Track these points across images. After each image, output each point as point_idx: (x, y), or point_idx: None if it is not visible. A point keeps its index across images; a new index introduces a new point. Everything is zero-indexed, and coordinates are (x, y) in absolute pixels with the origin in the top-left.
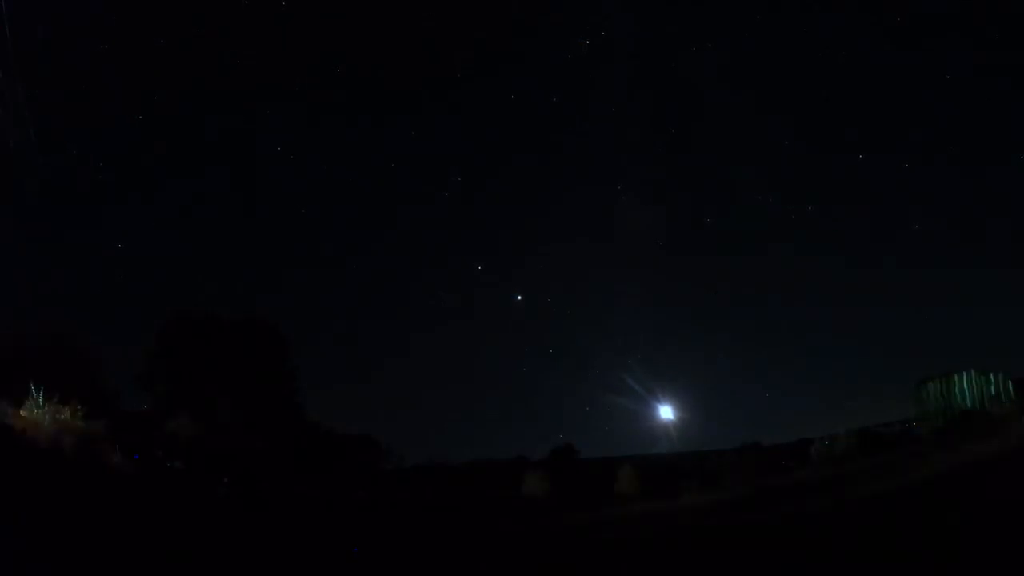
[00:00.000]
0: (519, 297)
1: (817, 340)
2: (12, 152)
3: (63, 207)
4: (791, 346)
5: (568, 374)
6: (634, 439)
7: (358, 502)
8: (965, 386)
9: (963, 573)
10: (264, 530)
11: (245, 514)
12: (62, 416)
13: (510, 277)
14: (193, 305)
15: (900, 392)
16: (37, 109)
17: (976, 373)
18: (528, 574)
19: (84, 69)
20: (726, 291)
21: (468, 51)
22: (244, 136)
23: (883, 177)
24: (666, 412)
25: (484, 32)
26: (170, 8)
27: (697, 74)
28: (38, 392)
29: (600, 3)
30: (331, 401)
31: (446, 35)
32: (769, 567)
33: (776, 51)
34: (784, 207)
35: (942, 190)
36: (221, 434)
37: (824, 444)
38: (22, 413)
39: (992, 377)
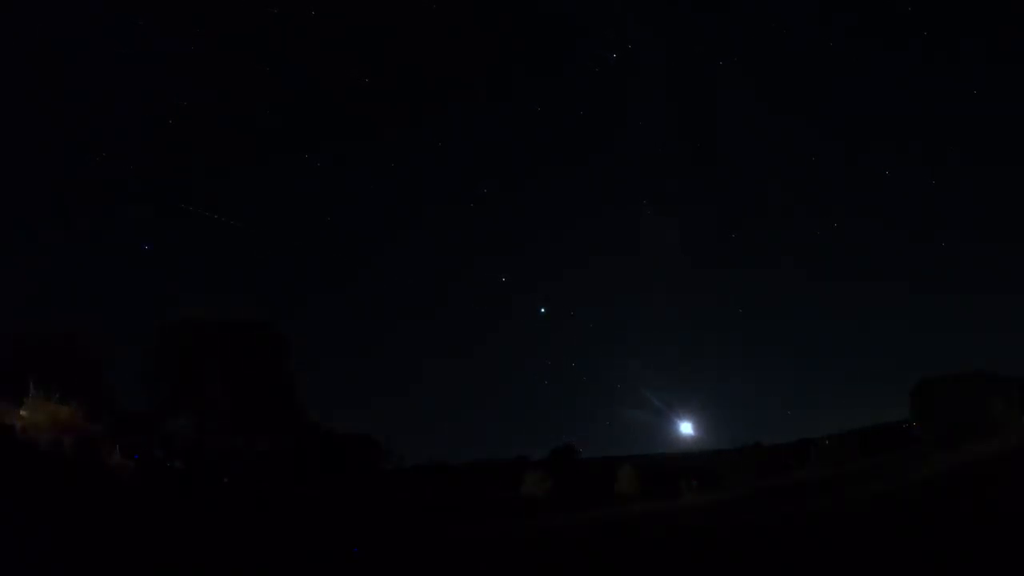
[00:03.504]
0: (543, 310)
1: (817, 342)
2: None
3: (65, 208)
4: (791, 348)
5: (588, 387)
6: (641, 443)
7: (358, 502)
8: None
9: (963, 573)
10: (264, 530)
11: (245, 514)
12: (62, 416)
13: (535, 289)
14: (196, 306)
15: (899, 392)
16: (51, 110)
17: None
18: (528, 574)
19: (111, 72)
20: (736, 297)
21: (495, 63)
22: (270, 143)
23: (908, 193)
24: (686, 428)
25: (513, 44)
26: (201, 14)
27: (724, 89)
28: (38, 392)
29: (627, 18)
30: (344, 402)
31: (474, 48)
32: (769, 567)
33: (802, 67)
34: (809, 221)
35: (963, 204)
36: (221, 434)
37: (824, 444)
38: (22, 413)
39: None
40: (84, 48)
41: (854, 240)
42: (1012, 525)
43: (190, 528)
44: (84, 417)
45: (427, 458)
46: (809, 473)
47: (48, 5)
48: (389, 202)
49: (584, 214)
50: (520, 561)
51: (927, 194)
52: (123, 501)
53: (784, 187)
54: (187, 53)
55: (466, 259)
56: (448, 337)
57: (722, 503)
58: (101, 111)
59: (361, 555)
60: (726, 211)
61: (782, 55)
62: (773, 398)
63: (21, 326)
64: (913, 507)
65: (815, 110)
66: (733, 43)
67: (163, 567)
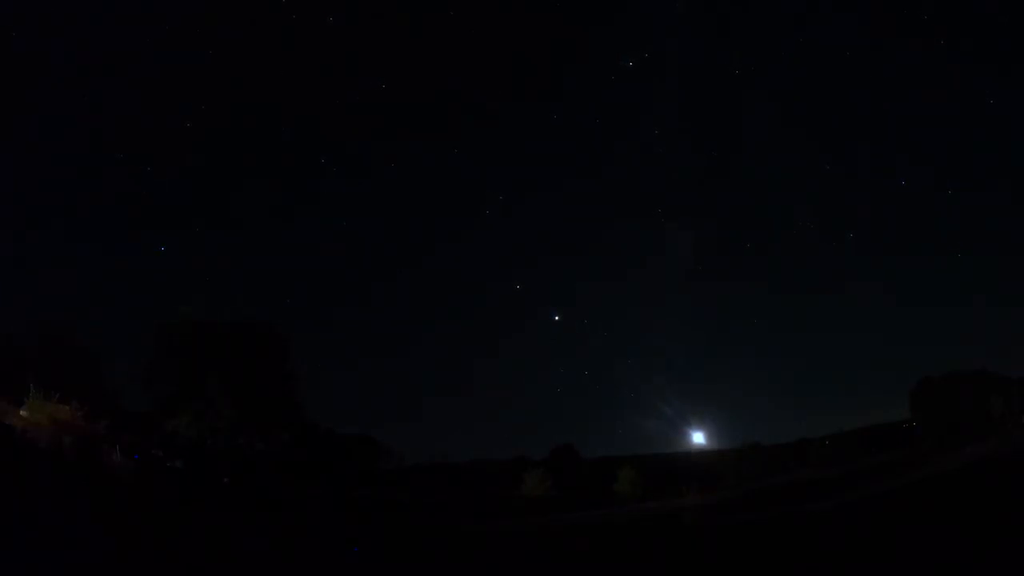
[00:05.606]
0: (556, 317)
1: (818, 342)
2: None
3: (68, 208)
4: (792, 348)
5: (599, 394)
6: (642, 443)
7: (358, 502)
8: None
9: (963, 572)
10: (264, 529)
11: (245, 514)
12: (62, 416)
13: (548, 297)
14: (196, 306)
15: (899, 392)
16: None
17: (977, 375)
18: (528, 573)
19: (122, 72)
20: (741, 300)
21: (512, 70)
22: (287, 147)
23: (913, 196)
24: (698, 437)
25: (529, 52)
26: (218, 19)
27: (739, 97)
28: (38, 392)
29: (645, 24)
30: (344, 402)
31: (490, 55)
32: (769, 567)
33: (820, 76)
34: (823, 232)
35: (964, 205)
36: (221, 434)
37: (824, 444)
38: (22, 413)
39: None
40: (93, 49)
41: (860, 243)
42: (1012, 525)
43: (190, 528)
44: (84, 417)
45: (427, 458)
46: (809, 473)
47: (69, 7)
48: (403, 207)
49: (599, 222)
50: (519, 560)
51: (930, 196)
52: (123, 501)
53: (795, 197)
54: (203, 57)
55: (480, 266)
56: (459, 341)
57: (722, 503)
58: (112, 112)
59: (361, 555)
60: (740, 220)
61: (801, 65)
62: (773, 398)
63: (21, 326)
64: (913, 507)
65: (827, 120)
66: (752, 52)
67: (163, 567)
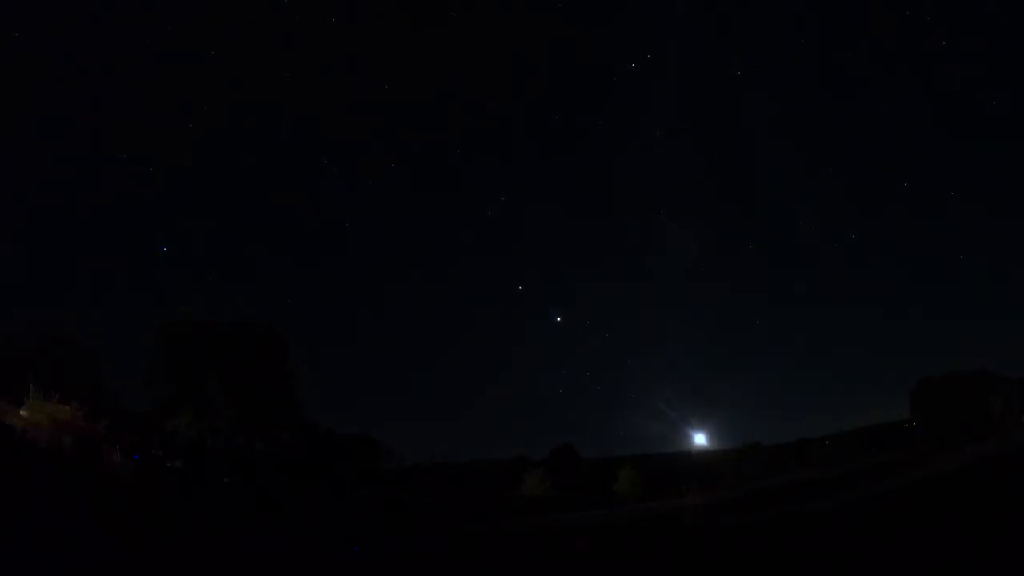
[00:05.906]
0: (558, 318)
1: (818, 341)
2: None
3: (68, 208)
4: (792, 348)
5: (600, 395)
6: (642, 444)
7: (358, 502)
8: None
9: (962, 572)
10: (264, 529)
11: (245, 514)
12: (62, 416)
13: (549, 297)
14: (196, 306)
15: (899, 392)
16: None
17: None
18: (528, 573)
19: (125, 73)
20: (742, 300)
21: (512, 70)
22: (287, 147)
23: (913, 197)
24: (699, 437)
25: (529, 52)
26: (221, 18)
27: (740, 98)
28: (38, 392)
29: (645, 24)
30: (345, 402)
31: (491, 56)
32: (769, 567)
33: (820, 76)
34: (823, 232)
35: (964, 205)
36: (221, 434)
37: (824, 444)
38: (22, 413)
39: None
40: (93, 49)
41: (860, 243)
42: (1012, 525)
43: (190, 528)
44: (84, 417)
45: (427, 458)
46: (809, 473)
47: (69, 7)
48: (403, 207)
49: (599, 222)
50: (519, 560)
51: (930, 196)
52: (123, 501)
53: (795, 197)
54: (203, 57)
55: (480, 266)
56: (459, 341)
57: (722, 503)
58: (112, 112)
59: (361, 555)
60: (740, 220)
61: (802, 65)
62: (773, 398)
63: (21, 326)
64: (913, 507)
65: (827, 120)
66: (754, 52)
67: (163, 567)
